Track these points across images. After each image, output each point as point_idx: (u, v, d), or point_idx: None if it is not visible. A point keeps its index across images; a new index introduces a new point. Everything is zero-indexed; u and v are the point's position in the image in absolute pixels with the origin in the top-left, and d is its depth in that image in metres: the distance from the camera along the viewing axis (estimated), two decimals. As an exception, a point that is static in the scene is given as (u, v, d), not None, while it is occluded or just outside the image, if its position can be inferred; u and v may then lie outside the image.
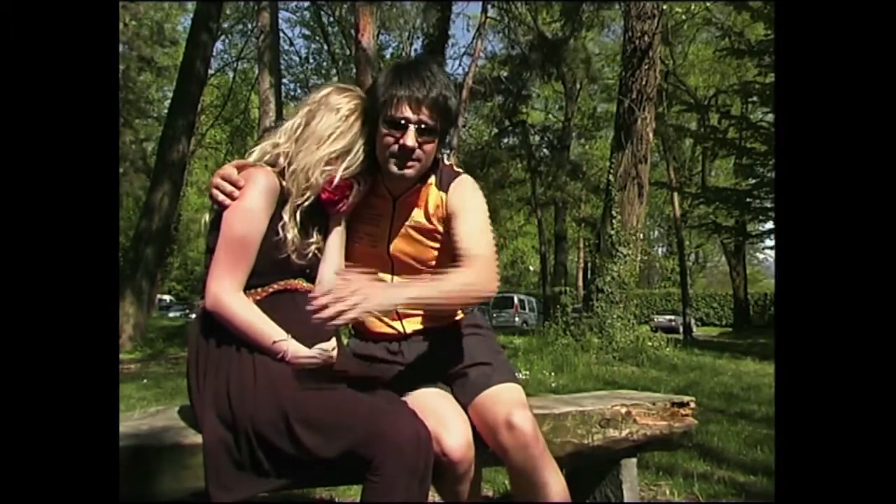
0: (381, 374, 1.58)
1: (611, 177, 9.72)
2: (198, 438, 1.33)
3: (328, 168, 1.49)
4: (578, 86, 22.39)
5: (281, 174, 1.50)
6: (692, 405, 2.03)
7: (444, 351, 1.64)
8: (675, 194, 20.32)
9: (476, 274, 1.47)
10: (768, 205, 14.97)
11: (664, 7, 10.66)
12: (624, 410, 1.87)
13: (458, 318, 1.71)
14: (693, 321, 23.29)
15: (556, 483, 1.48)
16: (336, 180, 1.50)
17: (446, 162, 1.70)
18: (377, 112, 1.50)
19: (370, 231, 1.63)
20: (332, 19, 22.65)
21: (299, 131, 1.52)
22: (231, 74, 25.14)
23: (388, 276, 1.64)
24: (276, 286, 1.48)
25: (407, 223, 1.62)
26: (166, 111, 15.02)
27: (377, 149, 1.53)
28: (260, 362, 1.38)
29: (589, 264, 18.41)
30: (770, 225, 17.48)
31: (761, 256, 40.75)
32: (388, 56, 23.78)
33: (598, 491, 1.99)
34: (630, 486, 1.95)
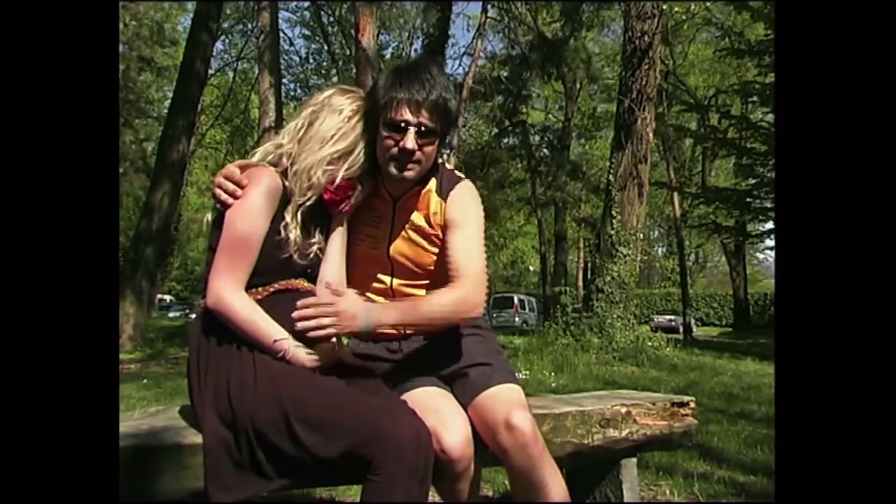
0: (381, 373, 1.58)
1: (611, 177, 9.71)
2: (198, 438, 1.34)
3: (330, 168, 1.50)
4: (578, 86, 22.38)
5: (284, 174, 1.50)
6: (692, 405, 2.03)
7: (444, 351, 1.64)
8: (675, 194, 20.32)
9: (463, 295, 1.52)
10: (768, 205, 14.97)
11: (664, 7, 10.66)
12: (624, 410, 1.87)
13: None
14: (693, 321, 23.29)
15: (555, 483, 1.48)
16: (338, 180, 1.51)
17: (448, 166, 1.71)
18: (377, 114, 1.51)
19: (371, 233, 1.64)
20: (332, 19, 22.67)
21: (302, 132, 1.53)
22: (231, 74, 25.13)
23: (387, 278, 1.66)
24: (277, 285, 1.49)
25: (407, 226, 1.63)
26: (166, 111, 15.02)
27: (377, 151, 1.53)
28: (260, 361, 1.38)
29: (589, 264, 18.42)
30: (770, 225, 17.49)
31: (761, 256, 40.79)
32: (388, 56, 23.81)
33: (598, 491, 1.99)
34: (630, 486, 1.95)
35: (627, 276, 9.06)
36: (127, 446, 1.27)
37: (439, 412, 1.44)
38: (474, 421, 1.51)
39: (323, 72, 26.48)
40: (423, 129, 1.49)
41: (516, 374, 1.67)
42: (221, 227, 1.45)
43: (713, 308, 36.23)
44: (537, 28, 16.92)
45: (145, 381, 6.26)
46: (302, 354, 1.42)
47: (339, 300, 1.46)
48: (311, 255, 1.52)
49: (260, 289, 1.47)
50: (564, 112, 23.76)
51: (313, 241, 1.53)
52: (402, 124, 1.48)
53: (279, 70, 11.85)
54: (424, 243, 1.63)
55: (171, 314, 28.76)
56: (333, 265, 1.56)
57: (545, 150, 21.76)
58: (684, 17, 16.39)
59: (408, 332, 1.66)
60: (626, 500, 1.93)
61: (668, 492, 2.62)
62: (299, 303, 1.43)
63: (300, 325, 1.41)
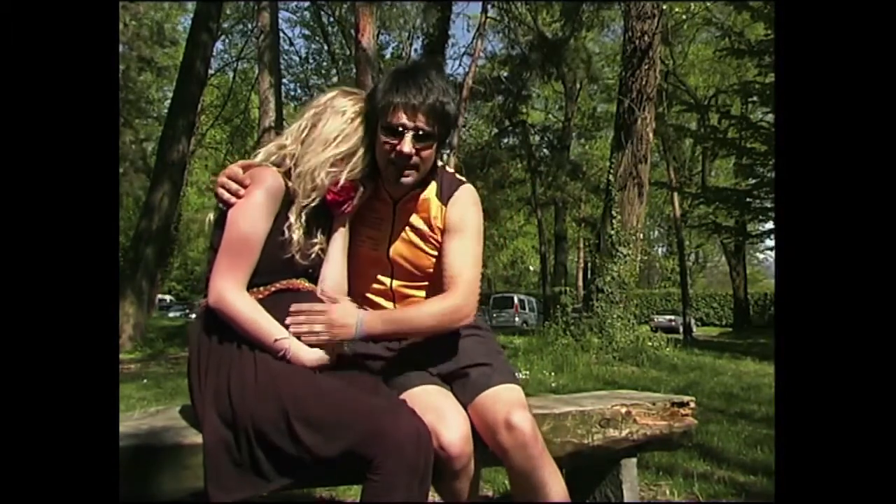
0: (381, 372, 1.59)
1: (611, 177, 9.71)
2: (198, 438, 1.34)
3: (333, 170, 1.51)
4: (578, 86, 22.39)
5: (286, 175, 1.51)
6: (692, 405, 2.03)
7: (444, 351, 1.64)
8: (675, 194, 20.31)
9: (454, 305, 1.55)
10: (768, 205, 14.97)
11: (664, 7, 10.66)
12: (624, 410, 1.87)
13: None
14: (693, 321, 23.29)
15: (555, 483, 1.48)
16: (341, 182, 1.52)
17: (448, 168, 1.71)
18: (376, 118, 1.52)
19: (372, 234, 1.65)
20: (332, 19, 22.65)
21: (305, 133, 1.54)
22: (231, 74, 25.11)
23: (387, 280, 1.67)
24: (278, 285, 1.49)
25: (407, 228, 1.64)
26: (166, 111, 15.01)
27: (377, 154, 1.55)
28: (261, 360, 1.39)
29: (589, 264, 18.41)
30: (770, 225, 17.48)
31: (761, 256, 40.78)
32: (388, 56, 23.79)
33: (598, 491, 1.99)
34: (630, 486, 1.95)
35: (627, 276, 9.06)
36: (127, 446, 1.27)
37: (438, 410, 1.45)
38: (474, 421, 1.51)
39: (323, 72, 26.48)
40: (420, 133, 1.50)
41: (516, 374, 1.67)
42: (223, 226, 1.46)
43: (713, 308, 36.23)
44: (537, 28, 16.93)
45: (145, 381, 6.26)
46: (302, 354, 1.42)
47: (332, 308, 1.49)
48: (313, 256, 1.53)
49: (261, 288, 1.47)
50: (564, 112, 23.76)
51: (315, 241, 1.54)
52: (399, 128, 1.49)
53: (279, 70, 11.85)
54: (423, 246, 1.64)
55: (171, 314, 28.76)
56: (334, 266, 1.57)
57: (545, 150, 21.78)
58: (684, 17, 16.38)
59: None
60: (626, 500, 1.93)
61: (668, 492, 2.62)
62: (292, 307, 1.45)
63: (293, 329, 1.44)
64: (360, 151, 1.53)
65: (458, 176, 1.70)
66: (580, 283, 27.59)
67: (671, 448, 2.22)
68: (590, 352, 8.13)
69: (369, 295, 1.69)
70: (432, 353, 1.63)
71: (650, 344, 8.64)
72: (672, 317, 26.85)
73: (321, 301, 1.51)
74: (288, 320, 1.44)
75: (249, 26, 21.80)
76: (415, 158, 1.51)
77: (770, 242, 19.77)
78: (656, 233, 41.83)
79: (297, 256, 1.49)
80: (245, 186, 1.46)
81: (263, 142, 9.85)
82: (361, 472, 1.28)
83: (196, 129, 18.90)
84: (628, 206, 9.54)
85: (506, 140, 21.00)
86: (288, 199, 1.50)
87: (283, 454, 1.30)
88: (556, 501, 1.48)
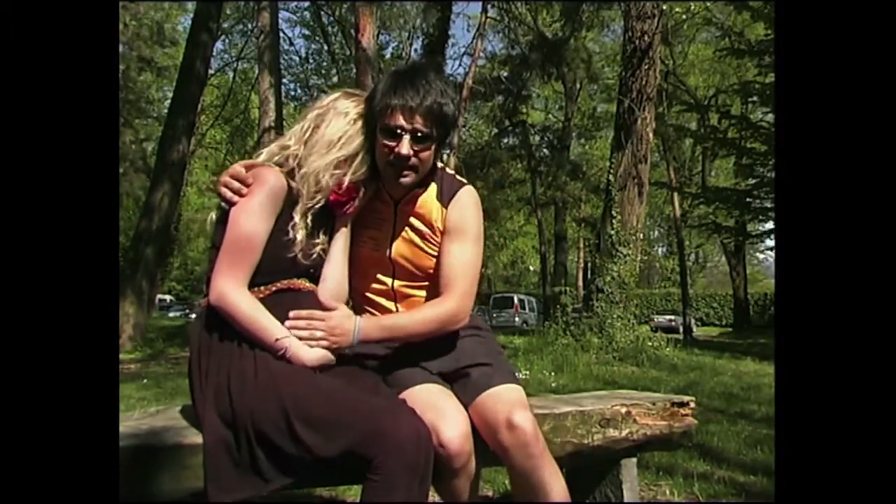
0: (381, 371, 1.60)
1: (611, 177, 9.71)
2: (198, 438, 1.34)
3: (337, 171, 1.52)
4: (578, 86, 22.39)
5: (289, 174, 1.52)
6: (692, 405, 2.03)
7: (445, 351, 1.65)
8: (675, 194, 20.31)
9: (450, 311, 1.59)
10: (768, 205, 14.97)
11: (664, 7, 10.65)
12: (624, 410, 1.87)
13: None
14: (693, 321, 23.29)
15: (556, 483, 1.48)
16: (345, 184, 1.53)
17: (448, 169, 1.71)
18: (374, 120, 1.52)
19: (373, 235, 1.66)
20: (332, 19, 22.64)
21: (308, 134, 1.55)
22: (231, 74, 25.10)
23: (388, 280, 1.67)
24: (279, 285, 1.50)
25: (408, 228, 1.64)
26: (166, 111, 15.01)
27: (376, 156, 1.55)
28: (261, 358, 1.39)
29: (589, 264, 18.39)
30: (770, 225, 17.48)
31: (761, 256, 40.76)
32: (388, 56, 23.79)
33: (598, 491, 1.99)
34: (630, 486, 1.95)
35: (627, 276, 9.06)
36: (127, 446, 1.27)
37: (439, 408, 1.45)
38: (475, 420, 1.51)
39: (323, 72, 26.46)
40: (417, 135, 1.50)
41: (517, 375, 1.68)
42: (226, 225, 1.46)
43: (713, 308, 36.22)
44: (537, 28, 16.94)
45: (145, 381, 6.26)
46: (303, 353, 1.42)
47: (331, 315, 1.50)
48: (314, 256, 1.54)
49: (262, 288, 1.48)
50: (564, 112, 23.76)
51: (317, 241, 1.55)
52: (397, 130, 1.49)
53: (279, 70, 11.85)
54: (424, 246, 1.65)
55: (171, 314, 28.75)
56: (336, 266, 1.57)
57: (545, 150, 21.78)
58: (684, 17, 16.36)
59: None
60: (626, 500, 1.93)
61: (668, 492, 2.62)
62: (292, 314, 1.46)
63: (294, 334, 1.44)
64: (363, 153, 1.54)
65: (458, 177, 1.70)
66: (580, 283, 27.59)
67: (671, 448, 2.22)
68: (590, 352, 8.13)
69: (371, 295, 1.69)
70: (433, 353, 1.63)
71: (650, 344, 8.64)
72: (672, 317, 26.84)
73: (321, 302, 1.52)
74: (288, 324, 1.45)
75: (249, 26, 21.80)
76: (413, 160, 1.52)
77: (770, 242, 19.76)
78: (656, 233, 41.83)
79: (299, 256, 1.50)
80: (248, 185, 1.47)
81: (263, 142, 9.88)
82: (361, 472, 1.28)
83: (196, 129, 18.90)
84: (628, 206, 9.54)
85: (506, 140, 21.00)
86: (290, 199, 1.50)
87: (282, 454, 1.30)
88: (557, 502, 1.48)
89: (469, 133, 22.57)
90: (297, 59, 26.05)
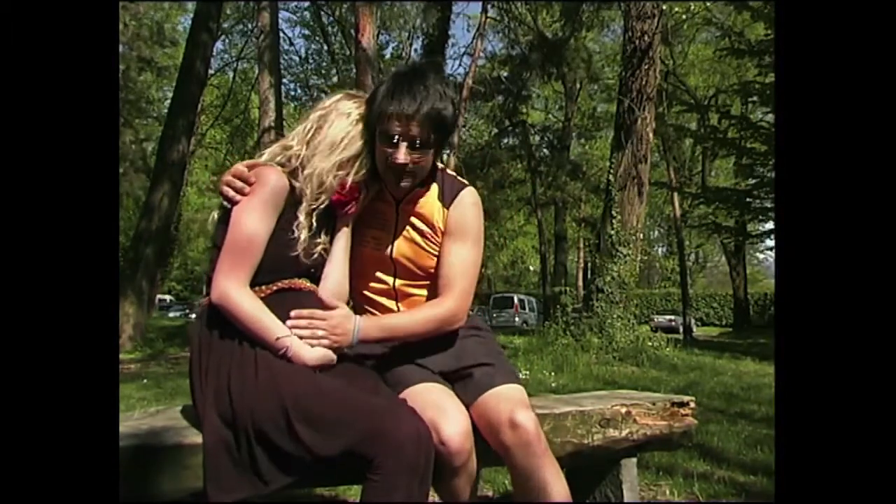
0: (381, 369, 1.60)
1: (611, 177, 9.71)
2: (198, 438, 1.34)
3: (341, 172, 1.53)
4: (578, 86, 22.38)
5: (291, 174, 1.52)
6: (692, 405, 2.03)
7: (446, 350, 1.65)
8: (675, 194, 20.30)
9: (449, 312, 1.60)
10: (768, 205, 14.96)
11: (664, 7, 10.65)
12: (624, 410, 1.87)
13: None
14: (693, 321, 23.28)
15: (557, 483, 1.48)
16: (348, 184, 1.53)
17: (449, 171, 1.72)
18: (373, 124, 1.52)
19: (375, 234, 1.66)
20: (332, 19, 22.63)
21: (310, 135, 1.55)
22: (231, 74, 25.10)
23: (389, 279, 1.68)
24: (280, 284, 1.50)
25: (410, 228, 1.65)
26: (166, 111, 15.00)
27: (376, 158, 1.55)
28: (262, 357, 1.39)
29: (589, 264, 18.39)
30: (770, 225, 17.48)
31: (761, 256, 40.75)
32: (388, 56, 23.79)
33: (598, 491, 1.99)
34: (630, 486, 1.95)
35: (627, 276, 9.06)
36: (127, 446, 1.27)
37: (439, 406, 1.45)
38: (477, 420, 1.51)
39: (323, 72, 26.45)
40: (416, 142, 1.50)
41: (518, 375, 1.68)
42: (227, 224, 1.47)
43: (713, 308, 36.22)
44: (537, 28, 16.94)
45: (145, 381, 6.26)
46: (304, 352, 1.43)
47: (332, 314, 1.50)
48: (316, 255, 1.54)
49: (263, 287, 1.48)
50: (564, 112, 23.76)
51: (318, 241, 1.55)
52: (394, 138, 1.49)
53: (279, 70, 11.83)
54: (426, 245, 1.65)
55: (171, 314, 28.75)
56: (337, 266, 1.58)
57: (545, 150, 21.78)
58: (684, 17, 16.36)
59: None
60: (626, 500, 1.93)
61: (668, 492, 2.61)
62: (293, 313, 1.46)
63: (295, 333, 1.45)
64: (366, 153, 1.55)
65: (459, 178, 1.70)
66: (580, 283, 27.56)
67: (671, 448, 2.22)
68: (590, 352, 8.13)
69: (372, 294, 1.69)
70: (434, 353, 1.64)
71: (650, 344, 8.64)
72: (672, 317, 26.84)
73: (322, 302, 1.52)
74: (289, 323, 1.45)
75: (249, 26, 21.78)
76: (411, 166, 1.52)
77: (770, 242, 19.75)
78: (656, 233, 41.82)
79: (301, 256, 1.50)
80: (250, 185, 1.47)
81: (263, 142, 9.87)
82: (361, 471, 1.28)
83: (196, 129, 18.90)
84: (628, 206, 9.54)
85: (506, 140, 21.00)
86: (293, 199, 1.51)
87: (283, 453, 1.30)
88: (558, 502, 1.47)
89: (469, 133, 22.57)
90: (297, 59, 26.07)
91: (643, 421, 1.90)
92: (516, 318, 25.51)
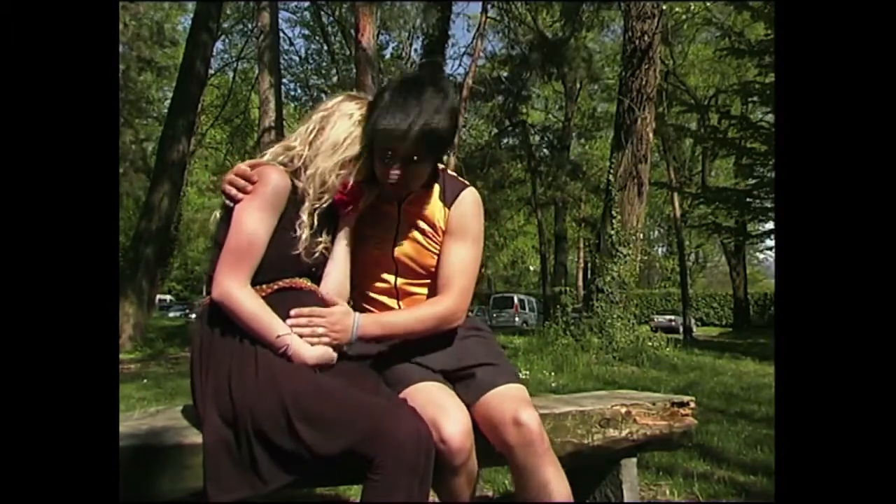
0: (382, 368, 1.60)
1: (611, 177, 9.71)
2: (198, 438, 1.34)
3: (343, 172, 1.53)
4: (578, 86, 22.39)
5: (294, 174, 1.53)
6: (692, 405, 2.03)
7: (447, 350, 1.65)
8: (675, 194, 20.29)
9: (448, 310, 1.61)
10: (768, 205, 14.94)
11: (664, 7, 10.65)
12: (624, 410, 1.87)
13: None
14: (693, 321, 23.28)
15: (559, 483, 1.48)
16: (350, 184, 1.54)
17: (450, 172, 1.72)
18: (369, 137, 1.53)
19: (376, 234, 1.67)
20: (332, 19, 22.62)
21: (313, 135, 1.56)
22: (231, 74, 25.09)
23: (391, 278, 1.68)
24: (280, 283, 1.50)
25: (411, 227, 1.65)
26: (166, 111, 15.00)
27: (374, 166, 1.55)
28: (262, 356, 1.40)
29: (589, 264, 18.37)
30: (770, 225, 17.46)
31: (761, 256, 40.73)
32: (388, 56, 23.78)
33: (598, 491, 1.99)
34: (630, 486, 1.95)
35: (627, 276, 9.06)
36: (127, 446, 1.27)
37: (440, 405, 1.45)
38: (479, 419, 1.51)
39: (323, 72, 26.44)
40: (413, 158, 1.50)
41: (519, 375, 1.68)
42: (229, 223, 1.47)
43: (713, 308, 36.22)
44: (537, 28, 16.94)
45: (145, 381, 6.26)
46: (304, 351, 1.43)
47: (331, 311, 1.50)
48: (317, 255, 1.55)
49: (264, 286, 1.48)
50: (564, 112, 23.77)
51: (320, 240, 1.56)
52: (388, 154, 1.50)
53: (279, 70, 11.82)
54: (427, 245, 1.66)
55: (171, 314, 28.76)
56: (338, 265, 1.59)
57: (545, 150, 21.79)
58: (684, 17, 16.34)
59: None
60: (626, 500, 1.93)
61: (668, 492, 2.61)
62: (293, 311, 1.46)
63: (295, 331, 1.45)
64: (368, 154, 1.55)
65: (459, 178, 1.71)
66: (580, 283, 27.56)
67: (671, 448, 2.22)
68: (590, 352, 8.13)
69: (374, 293, 1.70)
70: (434, 352, 1.64)
71: (650, 344, 8.64)
72: (672, 317, 26.84)
73: (322, 301, 1.52)
74: (289, 322, 1.45)
75: (249, 26, 21.76)
76: (406, 180, 1.52)
77: (770, 242, 19.73)
78: (656, 233, 41.82)
79: (303, 255, 1.51)
80: (252, 184, 1.48)
81: (263, 142, 9.87)
82: (362, 471, 1.28)
83: (196, 129, 18.88)
84: (628, 206, 9.54)
85: (506, 140, 21.01)
86: (295, 198, 1.51)
87: (283, 452, 1.30)
88: (559, 502, 1.47)
89: (469, 133, 22.56)
90: (297, 59, 26.04)
91: (643, 421, 1.90)
92: (516, 318, 25.51)
